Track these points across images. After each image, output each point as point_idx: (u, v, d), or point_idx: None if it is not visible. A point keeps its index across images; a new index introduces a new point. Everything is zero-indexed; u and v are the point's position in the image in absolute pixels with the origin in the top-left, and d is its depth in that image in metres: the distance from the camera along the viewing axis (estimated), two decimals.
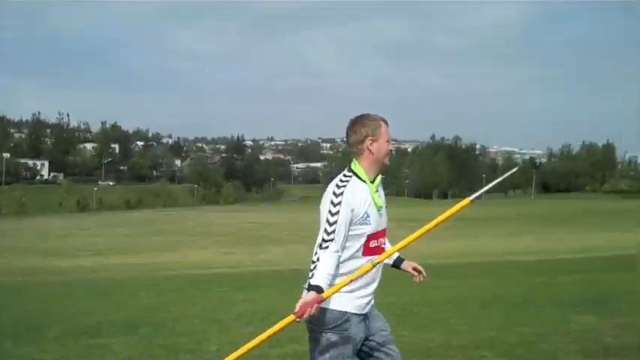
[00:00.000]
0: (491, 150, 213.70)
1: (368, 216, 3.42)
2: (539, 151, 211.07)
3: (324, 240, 3.32)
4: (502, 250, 18.76)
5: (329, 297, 3.30)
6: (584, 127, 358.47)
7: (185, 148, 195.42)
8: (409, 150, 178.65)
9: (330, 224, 3.33)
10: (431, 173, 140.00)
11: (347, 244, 3.39)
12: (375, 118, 3.56)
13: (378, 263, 3.41)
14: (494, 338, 6.90)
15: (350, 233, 3.38)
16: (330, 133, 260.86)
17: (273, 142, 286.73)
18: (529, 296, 9.79)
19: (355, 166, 3.51)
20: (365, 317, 3.52)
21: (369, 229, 3.43)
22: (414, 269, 3.80)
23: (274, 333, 3.37)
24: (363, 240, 3.43)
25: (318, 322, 3.38)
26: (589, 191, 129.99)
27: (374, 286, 3.54)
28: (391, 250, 3.50)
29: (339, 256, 3.35)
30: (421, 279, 3.81)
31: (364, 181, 3.47)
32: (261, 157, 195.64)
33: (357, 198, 3.39)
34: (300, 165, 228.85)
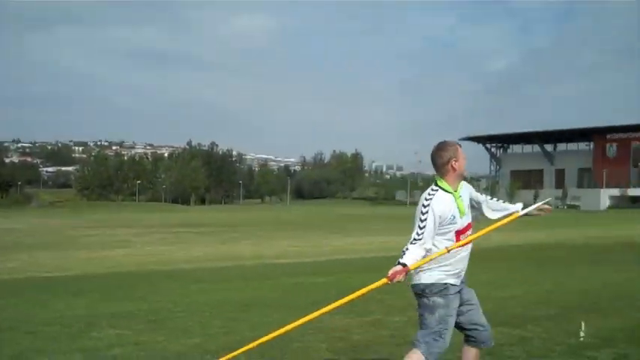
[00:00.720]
0: (247, 157, 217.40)
1: (454, 217, 4.50)
2: (293, 159, 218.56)
3: (414, 239, 4.44)
4: (259, 254, 19.12)
5: (415, 269, 4.43)
6: (334, 137, 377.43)
7: None
8: (165, 155, 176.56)
9: (420, 228, 4.45)
10: (188, 179, 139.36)
11: (440, 240, 4.49)
12: (453, 144, 4.70)
13: (452, 249, 4.45)
14: (250, 340, 7.00)
15: (444, 231, 4.48)
16: (84, 137, 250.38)
17: (19, 145, 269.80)
18: (284, 298, 10.07)
19: (441, 182, 4.61)
20: (459, 290, 4.64)
21: (456, 227, 4.53)
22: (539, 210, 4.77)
23: (369, 291, 4.82)
24: (453, 235, 4.52)
25: (429, 290, 4.52)
26: (340, 198, 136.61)
27: (462, 265, 4.64)
28: (463, 242, 4.52)
29: (426, 249, 4.44)
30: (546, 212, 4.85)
31: (449, 192, 4.55)
32: (7, 160, 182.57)
33: (442, 206, 4.46)
34: (50, 169, 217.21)
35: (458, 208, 4.53)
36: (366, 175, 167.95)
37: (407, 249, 4.44)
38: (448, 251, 4.44)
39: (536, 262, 15.85)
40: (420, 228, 4.44)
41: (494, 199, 4.87)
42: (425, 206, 4.46)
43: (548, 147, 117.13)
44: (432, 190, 4.57)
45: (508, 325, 7.73)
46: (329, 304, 6.51)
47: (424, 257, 4.44)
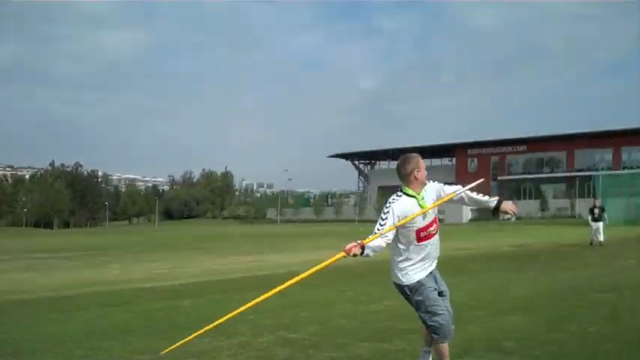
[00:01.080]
0: (113, 177, 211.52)
1: (415, 219, 5.49)
2: (161, 179, 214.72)
3: (374, 232, 5.45)
4: (125, 278, 18.58)
5: (367, 244, 5.41)
6: (203, 155, 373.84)
7: None
8: (27, 177, 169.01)
9: (381, 224, 5.48)
10: (51, 201, 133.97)
11: (405, 235, 5.58)
12: (415, 157, 5.68)
13: (366, 243, 5.41)
14: None
15: (406, 230, 5.53)
16: None
17: None
18: (148, 324, 9.81)
19: (405, 189, 5.63)
20: (431, 274, 5.75)
21: (416, 226, 5.55)
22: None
23: (328, 265, 5.90)
24: (414, 233, 5.56)
25: (409, 290, 5.70)
26: (210, 217, 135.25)
27: (430, 260, 5.74)
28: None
29: (385, 242, 5.49)
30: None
31: (412, 196, 5.57)
32: None
33: (402, 207, 5.51)
34: None
35: (421, 208, 5.51)
36: (237, 193, 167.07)
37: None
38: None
39: None
40: (381, 225, 5.47)
41: (473, 193, 5.75)
42: (387, 207, 5.52)
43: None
44: (397, 195, 5.61)
45: (373, 340, 7.87)
46: (196, 330, 6.42)
47: (381, 247, 5.51)
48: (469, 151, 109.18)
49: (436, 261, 5.83)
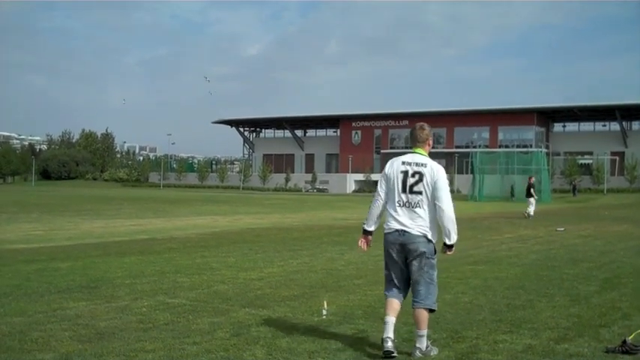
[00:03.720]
0: None
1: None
2: (38, 138, 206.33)
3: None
4: None
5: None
6: (82, 116, 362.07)
7: None
8: None
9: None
10: None
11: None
12: (429, 127, 6.16)
13: None
14: None
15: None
16: None
17: None
18: (23, 285, 9.47)
19: (422, 151, 6.01)
20: None
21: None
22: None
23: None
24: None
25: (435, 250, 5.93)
26: (90, 179, 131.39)
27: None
28: None
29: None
30: None
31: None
32: None
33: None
34: None
35: None
36: (118, 156, 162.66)
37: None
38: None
39: (283, 244, 16.37)
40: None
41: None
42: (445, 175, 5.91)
43: (299, 132, 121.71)
44: (426, 159, 5.89)
45: (254, 306, 7.93)
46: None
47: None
48: (353, 124, 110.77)
49: None
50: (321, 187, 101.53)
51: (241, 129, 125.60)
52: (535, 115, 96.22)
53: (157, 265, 11.88)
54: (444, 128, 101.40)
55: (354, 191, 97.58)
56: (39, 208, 35.26)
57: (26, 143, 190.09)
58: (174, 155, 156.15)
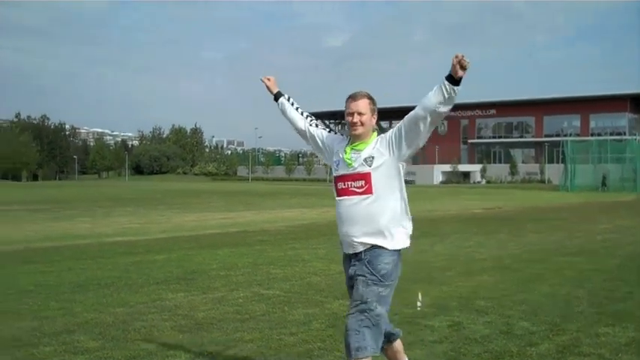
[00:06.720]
0: (82, 131, 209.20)
1: (338, 162, 4.27)
2: (130, 134, 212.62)
3: (313, 119, 4.83)
4: (96, 232, 18.48)
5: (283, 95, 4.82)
6: (173, 111, 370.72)
7: None
8: None
9: (321, 126, 4.78)
10: (17, 154, 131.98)
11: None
12: (354, 95, 4.32)
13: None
14: (89, 321, 6.80)
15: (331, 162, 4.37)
16: None
17: None
18: (123, 277, 9.80)
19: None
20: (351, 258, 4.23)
21: (338, 171, 4.22)
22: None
23: None
24: (334, 178, 4.26)
25: None
26: (180, 173, 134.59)
27: (346, 233, 4.17)
28: None
29: (304, 124, 4.75)
30: None
31: (348, 143, 4.31)
32: None
33: (332, 137, 4.61)
34: None
35: (344, 154, 4.23)
36: (207, 150, 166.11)
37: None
38: None
39: None
40: (321, 127, 4.80)
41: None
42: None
43: (384, 123, 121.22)
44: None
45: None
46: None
47: (296, 121, 4.80)
48: None
49: (363, 246, 4.16)
50: (407, 178, 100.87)
51: (326, 121, 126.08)
52: (628, 102, 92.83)
53: (249, 257, 12.07)
54: (532, 117, 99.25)
55: (441, 182, 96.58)
56: (133, 202, 36.36)
57: (119, 139, 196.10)
58: (262, 149, 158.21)
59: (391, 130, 4.20)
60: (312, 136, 4.67)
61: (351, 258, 4.23)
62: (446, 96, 3.86)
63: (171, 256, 12.38)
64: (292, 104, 4.81)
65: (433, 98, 3.90)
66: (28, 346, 5.84)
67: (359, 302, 4.08)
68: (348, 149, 4.24)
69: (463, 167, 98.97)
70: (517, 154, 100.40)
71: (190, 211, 28.31)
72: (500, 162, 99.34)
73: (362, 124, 4.21)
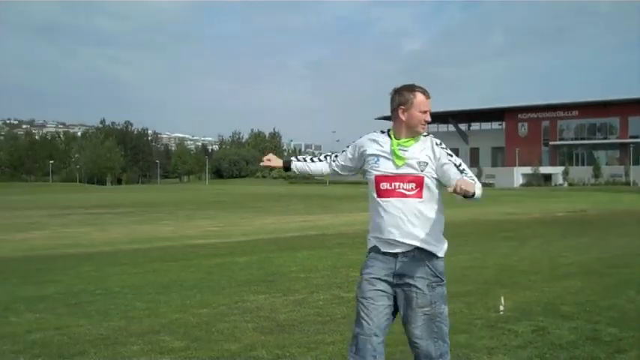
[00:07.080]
0: (163, 136, 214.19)
1: (377, 159, 3.92)
2: (210, 138, 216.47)
3: (334, 154, 4.32)
4: (179, 234, 18.90)
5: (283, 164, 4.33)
6: (251, 116, 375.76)
7: None
8: (79, 134, 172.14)
9: (342, 150, 4.26)
10: (103, 158, 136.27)
11: (370, 180, 3.96)
12: (412, 89, 3.93)
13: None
14: (174, 322, 6.95)
15: (366, 175, 3.99)
16: None
17: None
18: (206, 279, 9.99)
19: (392, 128, 4.02)
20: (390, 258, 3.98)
21: (379, 170, 3.89)
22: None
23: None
24: (373, 181, 3.91)
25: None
26: (260, 177, 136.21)
27: (392, 239, 3.92)
28: None
29: (329, 166, 4.30)
30: None
31: (390, 137, 3.96)
32: None
33: (370, 143, 4.01)
34: None
35: (393, 152, 3.89)
36: (285, 154, 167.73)
37: (317, 159, 4.39)
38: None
39: (452, 239, 16.17)
40: (342, 150, 4.28)
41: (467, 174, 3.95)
42: (359, 139, 4.16)
43: (463, 126, 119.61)
44: (375, 131, 4.13)
45: None
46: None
47: (320, 170, 4.33)
48: (519, 116, 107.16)
49: (412, 248, 3.99)
50: (486, 181, 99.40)
51: None
52: None
53: (328, 260, 12.11)
54: (616, 118, 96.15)
55: (522, 185, 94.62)
56: (214, 206, 37.01)
57: (199, 144, 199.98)
58: None
59: (440, 149, 3.99)
60: (345, 166, 4.27)
61: (393, 258, 3.97)
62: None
63: (252, 259, 12.55)
64: (306, 160, 4.42)
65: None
66: (116, 344, 6.02)
67: (426, 307, 3.99)
68: (395, 148, 3.90)
69: (544, 169, 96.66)
70: (601, 155, 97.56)
71: (270, 214, 28.62)
72: (582, 164, 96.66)
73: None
